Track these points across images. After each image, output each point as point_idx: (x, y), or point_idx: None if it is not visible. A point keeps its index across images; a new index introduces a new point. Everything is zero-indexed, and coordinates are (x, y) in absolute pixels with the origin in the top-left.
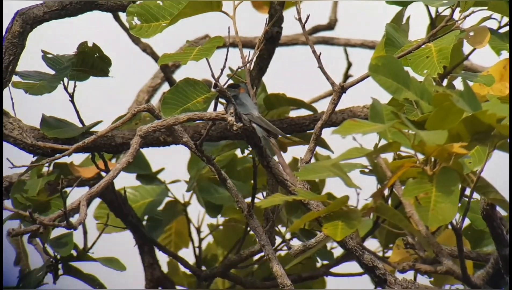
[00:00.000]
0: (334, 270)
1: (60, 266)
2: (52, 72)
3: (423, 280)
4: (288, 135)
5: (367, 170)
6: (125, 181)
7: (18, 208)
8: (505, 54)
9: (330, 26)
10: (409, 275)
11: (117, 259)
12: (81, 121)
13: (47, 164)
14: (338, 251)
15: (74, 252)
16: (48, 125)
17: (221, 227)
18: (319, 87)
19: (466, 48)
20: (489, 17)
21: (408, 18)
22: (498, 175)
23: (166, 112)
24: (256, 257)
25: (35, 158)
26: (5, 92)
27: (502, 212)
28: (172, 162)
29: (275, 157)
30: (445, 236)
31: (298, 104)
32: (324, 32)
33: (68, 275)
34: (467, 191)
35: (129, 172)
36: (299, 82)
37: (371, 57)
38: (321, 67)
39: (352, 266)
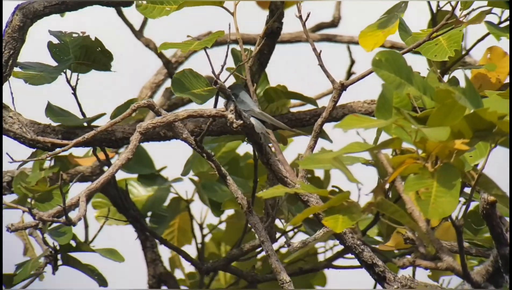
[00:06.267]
0: (335, 263)
1: (59, 256)
2: (54, 64)
3: (421, 273)
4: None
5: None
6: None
7: (20, 198)
8: (493, 43)
9: (334, 23)
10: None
11: (116, 250)
12: (83, 115)
13: (48, 159)
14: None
15: (73, 243)
16: (53, 112)
17: (223, 223)
18: (323, 84)
19: (467, 43)
20: (489, 12)
21: (407, 2)
22: (498, 172)
23: (175, 89)
24: (258, 250)
25: (34, 150)
26: (5, 86)
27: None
28: (175, 159)
29: (273, 150)
30: (443, 229)
31: (297, 97)
32: (328, 30)
33: (67, 266)
34: (469, 189)
35: (133, 171)
36: (303, 79)
37: (361, 31)
38: (321, 65)
39: (354, 259)
